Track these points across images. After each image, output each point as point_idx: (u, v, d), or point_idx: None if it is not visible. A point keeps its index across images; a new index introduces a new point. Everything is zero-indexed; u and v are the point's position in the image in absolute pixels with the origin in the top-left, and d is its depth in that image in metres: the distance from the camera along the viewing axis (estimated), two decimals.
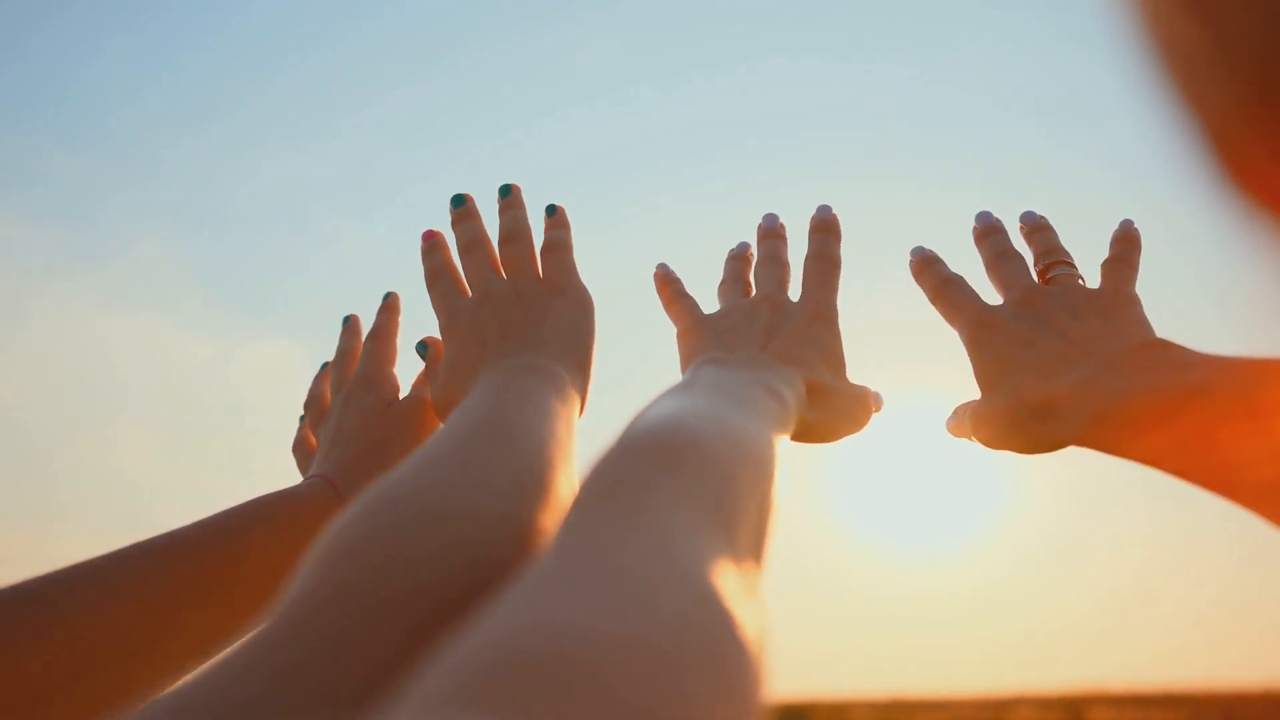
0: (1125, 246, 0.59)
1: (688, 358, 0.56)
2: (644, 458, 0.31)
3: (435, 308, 0.58)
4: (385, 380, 0.63)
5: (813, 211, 0.61)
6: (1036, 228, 0.60)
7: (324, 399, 0.68)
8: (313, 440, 0.66)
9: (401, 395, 0.64)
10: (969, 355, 0.56)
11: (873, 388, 0.56)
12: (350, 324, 0.69)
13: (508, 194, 0.61)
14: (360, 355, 0.66)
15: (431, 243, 0.61)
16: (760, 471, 0.35)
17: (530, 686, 0.19)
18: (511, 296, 0.55)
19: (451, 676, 0.20)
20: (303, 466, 0.66)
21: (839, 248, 0.59)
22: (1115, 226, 0.60)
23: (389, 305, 0.68)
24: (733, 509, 0.31)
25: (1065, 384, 0.50)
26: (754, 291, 0.59)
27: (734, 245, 0.63)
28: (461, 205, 0.61)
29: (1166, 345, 0.50)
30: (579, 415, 0.50)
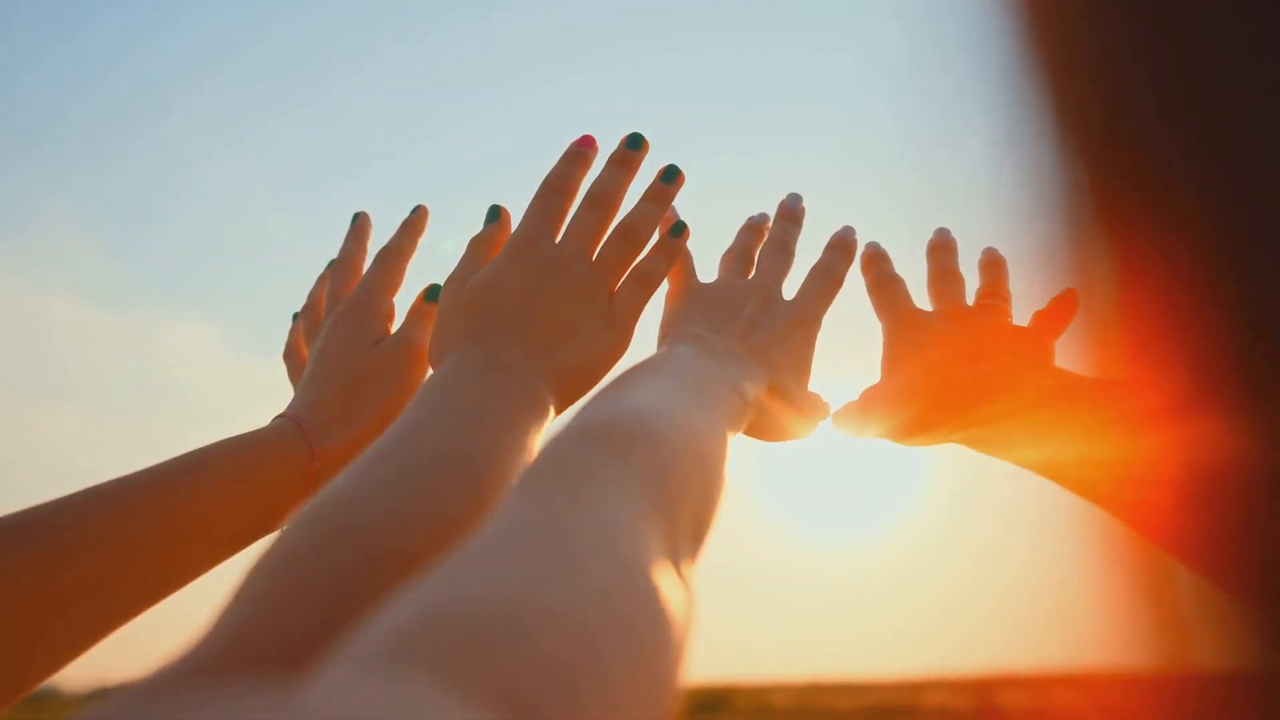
0: (1062, 309, 0.58)
1: (670, 319, 0.56)
2: (593, 441, 0.32)
3: (526, 213, 0.52)
4: (377, 312, 0.57)
5: (837, 229, 0.62)
6: (993, 262, 0.62)
7: (319, 306, 0.62)
8: (304, 350, 0.62)
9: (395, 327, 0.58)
10: (884, 342, 0.59)
11: (824, 397, 0.56)
12: (359, 225, 0.62)
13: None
14: (362, 276, 0.59)
15: (580, 153, 0.54)
16: (708, 468, 0.35)
17: (450, 648, 0.20)
18: (577, 295, 0.49)
19: (378, 639, 0.20)
20: (293, 377, 0.62)
21: (846, 270, 0.59)
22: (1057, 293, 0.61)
23: (412, 223, 0.60)
24: (674, 500, 0.31)
25: (965, 374, 0.55)
26: (753, 271, 0.59)
27: (754, 214, 0.62)
28: (636, 148, 0.54)
29: (1058, 371, 0.55)
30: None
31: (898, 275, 0.62)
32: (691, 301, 0.56)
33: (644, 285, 0.53)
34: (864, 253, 0.63)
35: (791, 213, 0.61)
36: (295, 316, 0.64)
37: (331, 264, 0.63)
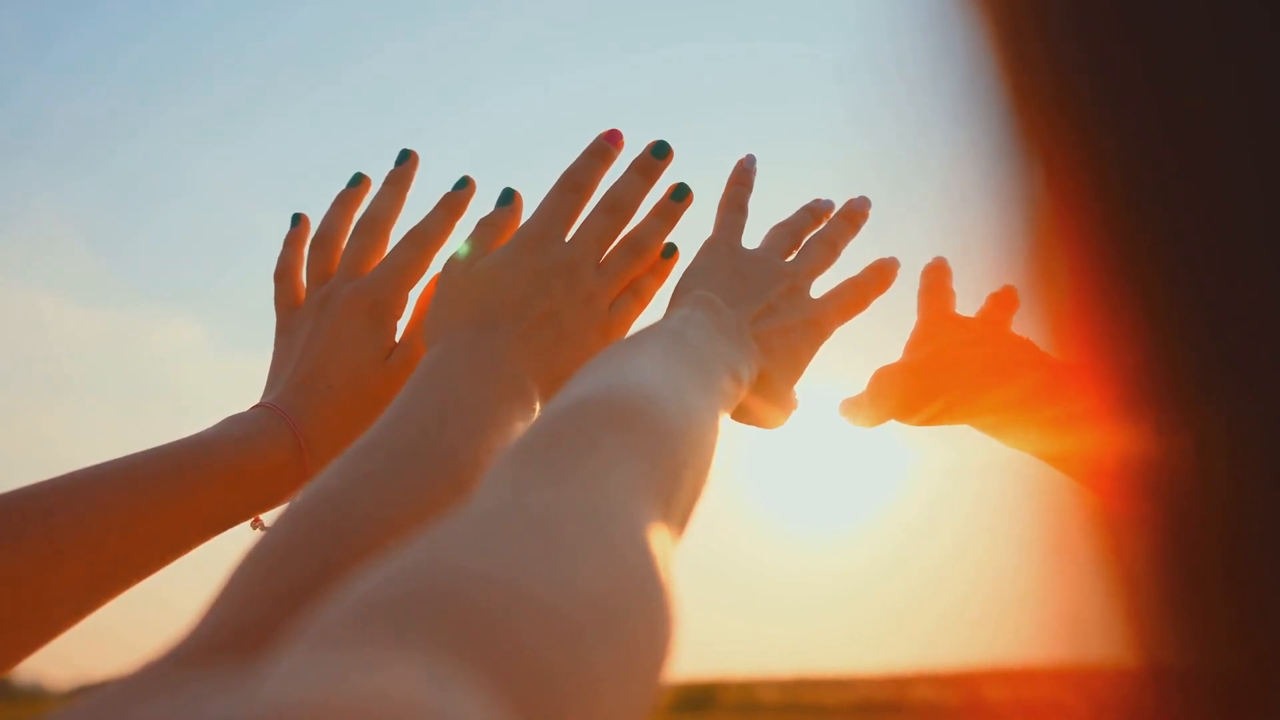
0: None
1: (698, 270, 0.54)
2: (594, 412, 0.31)
3: (541, 205, 0.50)
4: (393, 315, 0.53)
5: (885, 257, 0.61)
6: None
7: (336, 244, 0.56)
8: (301, 282, 0.56)
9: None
10: (914, 328, 0.63)
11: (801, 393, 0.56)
12: (404, 168, 0.56)
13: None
14: (387, 252, 0.54)
15: (605, 148, 0.52)
16: (701, 449, 0.35)
17: (428, 625, 0.19)
18: (579, 300, 0.49)
19: (350, 610, 0.19)
20: (280, 302, 0.56)
21: (878, 295, 0.59)
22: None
23: (452, 201, 0.55)
24: (668, 482, 0.31)
25: (974, 354, 0.57)
26: (795, 254, 0.58)
27: (822, 198, 0.61)
28: (661, 158, 0.53)
29: (1056, 363, 0.56)
30: None
31: (952, 289, 0.64)
32: (724, 261, 0.54)
33: (638, 300, 0.53)
34: (930, 264, 0.65)
35: (853, 215, 0.60)
36: (296, 219, 0.58)
37: (354, 182, 0.57)
